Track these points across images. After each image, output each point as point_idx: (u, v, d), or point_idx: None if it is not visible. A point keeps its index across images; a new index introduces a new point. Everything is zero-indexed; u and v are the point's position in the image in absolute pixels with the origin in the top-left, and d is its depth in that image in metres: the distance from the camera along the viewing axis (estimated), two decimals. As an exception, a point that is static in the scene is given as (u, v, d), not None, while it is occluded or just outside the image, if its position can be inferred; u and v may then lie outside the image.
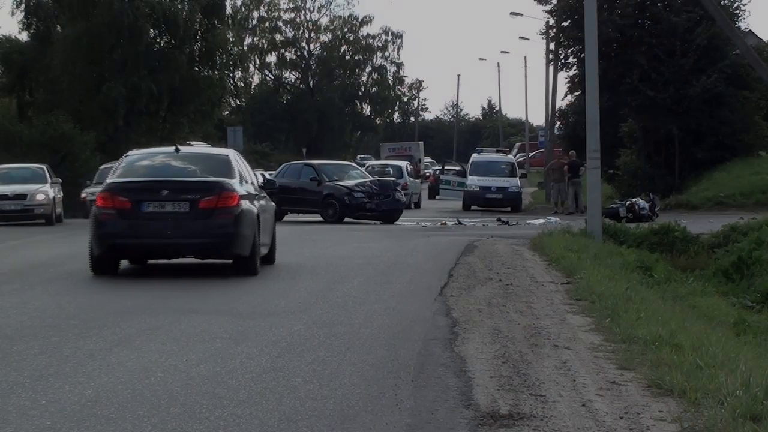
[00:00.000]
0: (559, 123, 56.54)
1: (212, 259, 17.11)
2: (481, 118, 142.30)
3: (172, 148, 17.88)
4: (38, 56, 54.28)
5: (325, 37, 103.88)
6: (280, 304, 13.44)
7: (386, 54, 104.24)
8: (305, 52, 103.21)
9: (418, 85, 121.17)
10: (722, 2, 45.19)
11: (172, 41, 54.96)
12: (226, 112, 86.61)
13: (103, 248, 16.24)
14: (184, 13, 54.62)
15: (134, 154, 18.03)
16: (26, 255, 21.19)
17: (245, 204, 16.48)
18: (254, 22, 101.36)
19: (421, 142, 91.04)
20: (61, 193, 35.83)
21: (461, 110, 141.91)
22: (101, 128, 51.28)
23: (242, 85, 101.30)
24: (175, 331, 11.26)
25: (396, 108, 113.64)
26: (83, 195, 36.27)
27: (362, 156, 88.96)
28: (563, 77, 53.31)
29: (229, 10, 62.86)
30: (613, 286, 14.65)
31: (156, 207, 16.11)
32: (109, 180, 16.78)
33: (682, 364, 9.08)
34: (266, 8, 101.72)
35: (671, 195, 44.71)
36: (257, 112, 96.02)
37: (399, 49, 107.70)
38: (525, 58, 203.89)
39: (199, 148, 24.72)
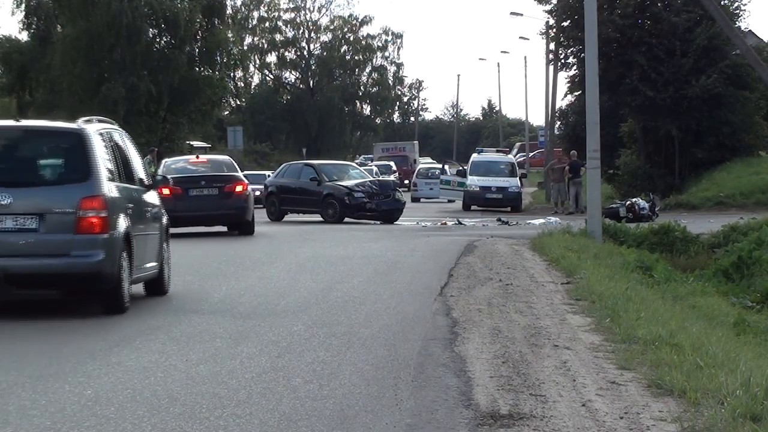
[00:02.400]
0: (559, 123, 56.49)
1: (230, 224, 26.49)
2: (481, 118, 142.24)
3: (194, 156, 28.53)
4: (38, 56, 54.31)
5: (325, 37, 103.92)
6: (280, 304, 13.45)
7: (386, 54, 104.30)
8: (305, 52, 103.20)
9: (418, 85, 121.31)
10: (722, 2, 45.16)
11: (172, 41, 54.97)
12: (226, 112, 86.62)
13: None
14: (185, 13, 54.58)
15: (170, 160, 28.19)
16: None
17: (249, 188, 26.46)
18: (254, 22, 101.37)
19: (415, 142, 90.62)
20: None
21: (461, 110, 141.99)
22: (101, 128, 51.30)
23: (242, 85, 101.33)
24: (175, 331, 11.27)
25: (396, 108, 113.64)
26: None
27: (366, 156, 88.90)
28: (563, 77, 53.31)
29: (229, 10, 62.88)
30: (613, 286, 14.64)
31: (198, 192, 25.60)
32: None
33: (682, 364, 9.08)
34: (266, 8, 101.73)
35: (671, 195, 44.69)
36: (257, 112, 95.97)
37: (399, 49, 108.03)
38: (525, 58, 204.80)
39: (209, 155, 32.97)
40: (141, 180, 14.07)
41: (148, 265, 13.73)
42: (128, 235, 12.72)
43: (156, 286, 14.27)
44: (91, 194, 12.23)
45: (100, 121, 13.62)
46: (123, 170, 13.32)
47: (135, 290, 13.55)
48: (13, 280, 12.24)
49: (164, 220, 14.78)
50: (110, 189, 12.55)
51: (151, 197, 14.39)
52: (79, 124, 12.90)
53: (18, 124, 13.36)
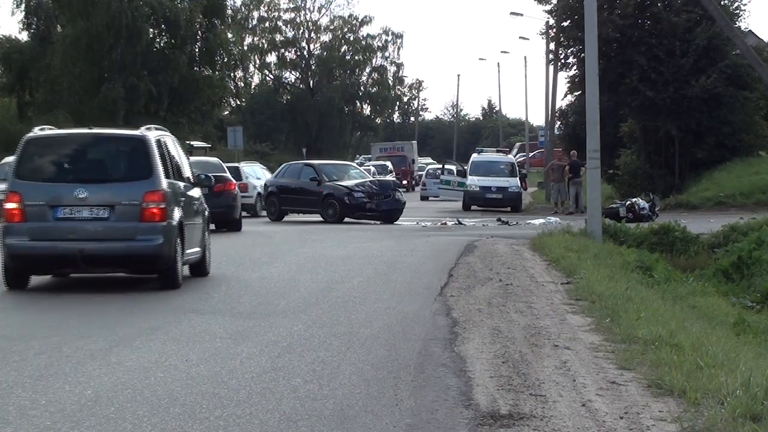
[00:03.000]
0: (559, 123, 56.47)
1: (219, 222, 25.86)
2: (481, 118, 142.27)
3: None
4: (38, 56, 54.30)
5: (325, 37, 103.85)
6: (280, 304, 13.45)
7: (386, 54, 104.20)
8: (305, 52, 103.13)
9: (418, 85, 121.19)
10: (722, 2, 45.13)
11: (173, 41, 54.95)
12: (226, 112, 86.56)
13: None
14: (185, 13, 54.55)
15: None
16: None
17: (236, 188, 28.90)
18: (254, 22, 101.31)
19: (414, 142, 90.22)
20: None
21: (461, 110, 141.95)
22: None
23: (242, 85, 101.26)
24: (175, 331, 11.27)
25: (396, 108, 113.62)
26: None
27: (365, 156, 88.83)
28: (563, 77, 53.22)
29: (229, 10, 62.83)
30: (613, 286, 14.64)
31: None
32: None
33: (682, 364, 9.08)
34: (266, 8, 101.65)
35: (671, 195, 44.65)
36: (257, 112, 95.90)
37: (399, 49, 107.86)
38: (525, 58, 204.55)
39: (199, 157, 34.60)
40: (188, 178, 16.51)
41: (194, 250, 16.05)
42: (181, 224, 15.13)
43: (199, 269, 16.64)
44: (152, 189, 14.70)
45: (156, 128, 15.95)
46: (175, 170, 15.67)
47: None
48: (88, 260, 14.61)
49: (206, 212, 17.26)
50: (167, 185, 14.94)
51: (196, 192, 16.81)
52: (141, 131, 15.43)
53: (91, 131, 15.88)
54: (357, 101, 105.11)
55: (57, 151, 15.45)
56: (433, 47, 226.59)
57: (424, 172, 63.68)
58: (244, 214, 31.03)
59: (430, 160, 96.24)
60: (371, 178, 36.59)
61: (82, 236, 14.54)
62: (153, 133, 15.44)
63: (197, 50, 57.06)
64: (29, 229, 14.65)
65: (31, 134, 15.53)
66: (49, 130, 15.81)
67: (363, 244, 22.82)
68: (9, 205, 14.79)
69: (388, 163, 69.63)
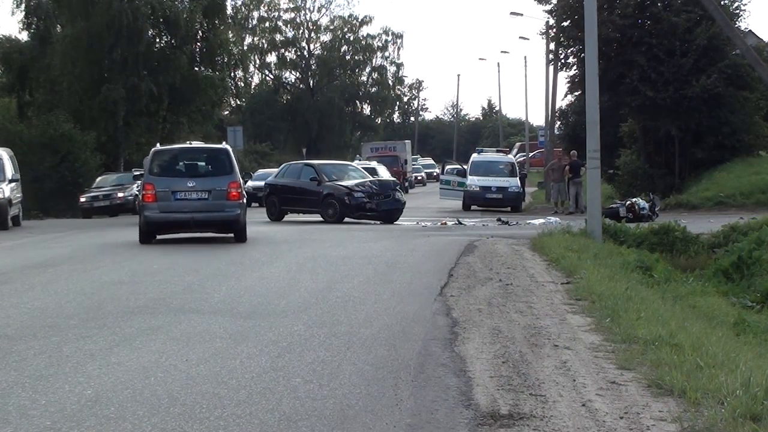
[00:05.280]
0: (559, 123, 56.47)
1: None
2: (481, 118, 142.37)
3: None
4: (38, 56, 54.24)
5: (325, 37, 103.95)
6: (280, 304, 13.44)
7: (386, 54, 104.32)
8: (305, 52, 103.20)
9: (418, 85, 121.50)
10: (722, 2, 45.13)
11: (173, 41, 54.86)
12: (226, 112, 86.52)
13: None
14: (185, 13, 54.49)
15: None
16: (25, 255, 21.20)
17: None
18: (254, 22, 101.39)
19: (407, 142, 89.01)
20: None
21: (461, 110, 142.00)
22: (101, 128, 51.22)
23: (242, 85, 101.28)
24: (175, 331, 11.27)
25: (396, 108, 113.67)
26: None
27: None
28: (563, 77, 53.22)
29: (229, 10, 62.75)
30: (613, 286, 14.64)
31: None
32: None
33: (682, 364, 9.08)
34: (266, 8, 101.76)
35: (671, 195, 44.66)
36: (257, 112, 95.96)
37: (399, 49, 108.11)
38: (525, 58, 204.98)
39: None
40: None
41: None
42: (247, 202, 23.88)
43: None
44: (233, 180, 23.29)
45: (226, 144, 25.10)
46: None
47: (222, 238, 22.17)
48: (197, 224, 23.28)
49: (245, 196, 25.09)
50: (240, 178, 23.41)
51: (242, 183, 24.27)
52: (223, 144, 24.81)
53: (191, 145, 26.23)
54: (357, 101, 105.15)
55: (173, 157, 23.90)
56: (433, 47, 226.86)
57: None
58: None
59: (431, 161, 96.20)
60: (371, 178, 36.60)
61: (192, 210, 22.94)
62: (228, 146, 24.28)
63: (197, 50, 56.98)
64: (159, 206, 22.98)
65: (156, 148, 24.10)
66: (166, 146, 25.06)
67: (363, 244, 22.82)
68: (146, 191, 23.11)
69: (374, 164, 68.50)
